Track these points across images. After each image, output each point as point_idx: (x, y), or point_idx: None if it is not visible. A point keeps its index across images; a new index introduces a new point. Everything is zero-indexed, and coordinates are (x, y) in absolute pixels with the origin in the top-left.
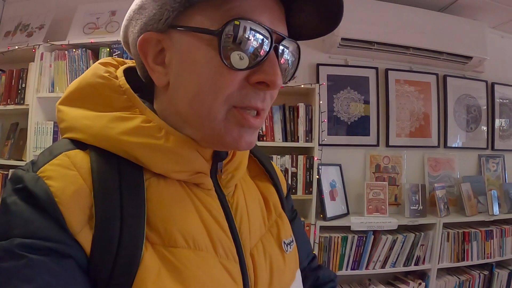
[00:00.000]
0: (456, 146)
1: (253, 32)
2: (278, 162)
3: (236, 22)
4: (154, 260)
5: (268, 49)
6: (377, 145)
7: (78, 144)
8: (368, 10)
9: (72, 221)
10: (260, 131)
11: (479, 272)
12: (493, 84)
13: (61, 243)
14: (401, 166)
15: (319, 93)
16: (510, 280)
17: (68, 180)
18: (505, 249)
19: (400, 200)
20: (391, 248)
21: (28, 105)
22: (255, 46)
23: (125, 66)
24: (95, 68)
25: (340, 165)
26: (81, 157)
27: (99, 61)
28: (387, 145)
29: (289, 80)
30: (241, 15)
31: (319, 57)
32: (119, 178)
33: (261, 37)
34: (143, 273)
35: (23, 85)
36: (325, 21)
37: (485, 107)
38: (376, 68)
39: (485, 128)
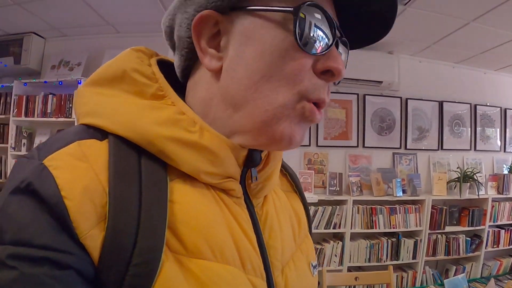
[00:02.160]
0: (373, 146)
1: (324, 20)
2: None
3: (310, 6)
4: (176, 272)
5: (333, 39)
6: (309, 145)
7: (96, 132)
8: None
9: (79, 221)
10: None
11: (387, 238)
12: (407, 99)
13: (61, 252)
14: (327, 160)
15: None
16: (416, 247)
17: (79, 172)
18: (409, 223)
19: (326, 184)
20: (314, 215)
21: (74, 118)
22: (324, 34)
23: (158, 57)
24: (128, 53)
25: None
26: (97, 148)
27: (131, 47)
28: (317, 145)
29: (337, 84)
30: (313, 1)
31: None
32: (139, 174)
33: (329, 26)
34: (163, 285)
35: (70, 105)
36: (373, 30)
37: (399, 117)
38: None
39: (398, 132)
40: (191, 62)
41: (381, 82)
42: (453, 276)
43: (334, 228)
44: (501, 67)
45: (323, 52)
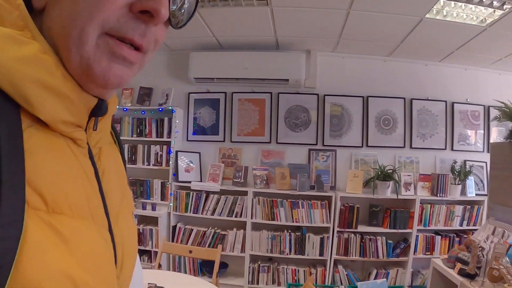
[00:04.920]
0: (286, 142)
1: None
2: (153, 149)
3: None
4: (40, 230)
5: None
6: (224, 141)
7: None
8: (212, 57)
9: None
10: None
11: (290, 232)
12: (324, 96)
13: None
14: (241, 154)
15: (174, 113)
16: (322, 243)
17: None
18: (313, 218)
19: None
20: (216, 203)
21: None
22: None
23: None
24: None
25: (199, 153)
26: None
27: None
28: (231, 141)
29: (179, 27)
30: None
31: (190, 88)
32: None
33: None
34: (29, 246)
35: None
36: None
37: (316, 113)
38: (225, 93)
39: (314, 129)
40: None
41: (287, 80)
42: (374, 279)
43: (236, 216)
44: (442, 58)
45: None
